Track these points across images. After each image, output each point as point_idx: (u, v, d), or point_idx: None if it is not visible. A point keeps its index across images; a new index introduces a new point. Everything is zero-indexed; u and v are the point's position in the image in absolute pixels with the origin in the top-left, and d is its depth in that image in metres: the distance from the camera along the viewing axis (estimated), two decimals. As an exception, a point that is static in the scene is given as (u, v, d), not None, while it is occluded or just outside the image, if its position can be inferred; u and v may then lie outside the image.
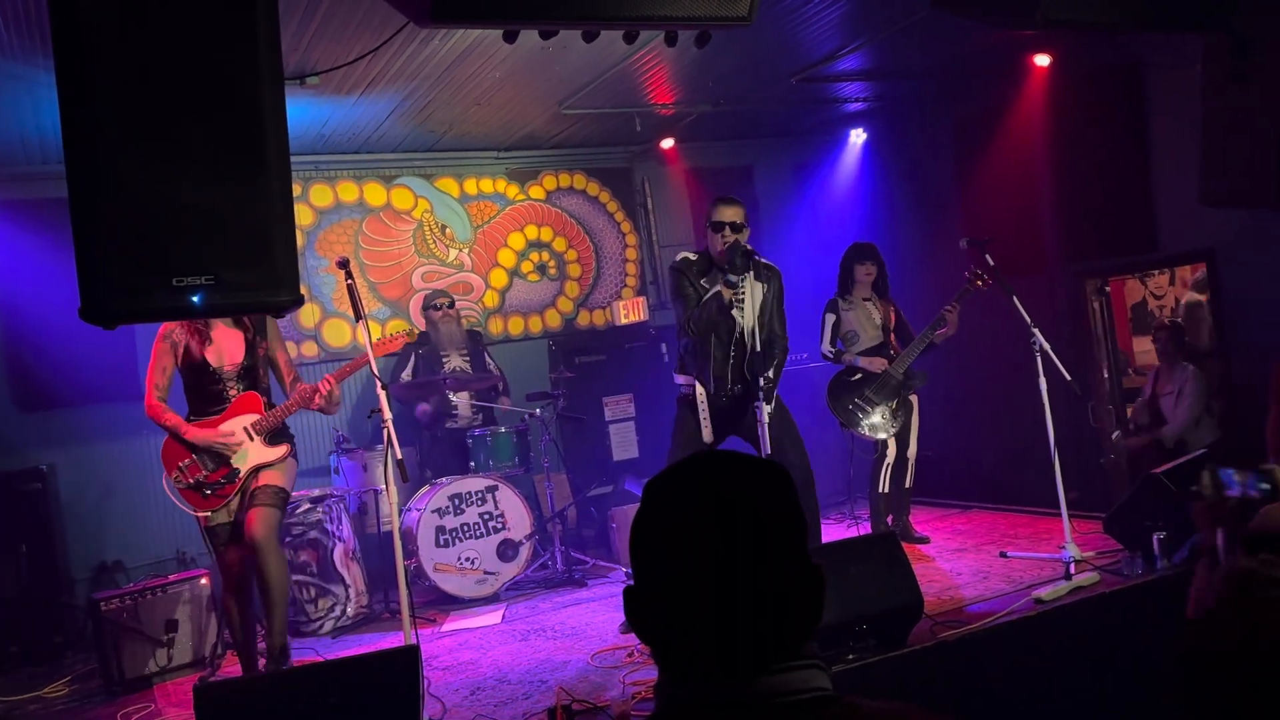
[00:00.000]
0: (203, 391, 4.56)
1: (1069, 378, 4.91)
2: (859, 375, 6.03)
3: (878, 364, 5.99)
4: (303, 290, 6.18)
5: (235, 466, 4.52)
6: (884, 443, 6.05)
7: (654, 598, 1.12)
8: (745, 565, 1.08)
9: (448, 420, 6.53)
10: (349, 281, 3.91)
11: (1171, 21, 3.91)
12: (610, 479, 7.32)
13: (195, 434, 4.49)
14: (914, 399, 6.15)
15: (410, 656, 3.30)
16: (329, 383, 4.55)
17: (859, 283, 6.15)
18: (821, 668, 1.12)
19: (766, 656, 1.08)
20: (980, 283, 5.75)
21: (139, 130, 2.62)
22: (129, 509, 6.58)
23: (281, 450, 4.62)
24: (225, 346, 4.58)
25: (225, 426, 4.52)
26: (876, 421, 6.00)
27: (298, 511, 5.63)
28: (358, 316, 3.86)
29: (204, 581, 5.34)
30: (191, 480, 4.49)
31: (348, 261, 3.99)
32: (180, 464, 4.50)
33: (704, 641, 1.09)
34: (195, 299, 2.65)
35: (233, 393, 4.57)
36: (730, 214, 4.69)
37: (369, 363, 3.95)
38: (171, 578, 5.39)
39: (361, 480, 6.19)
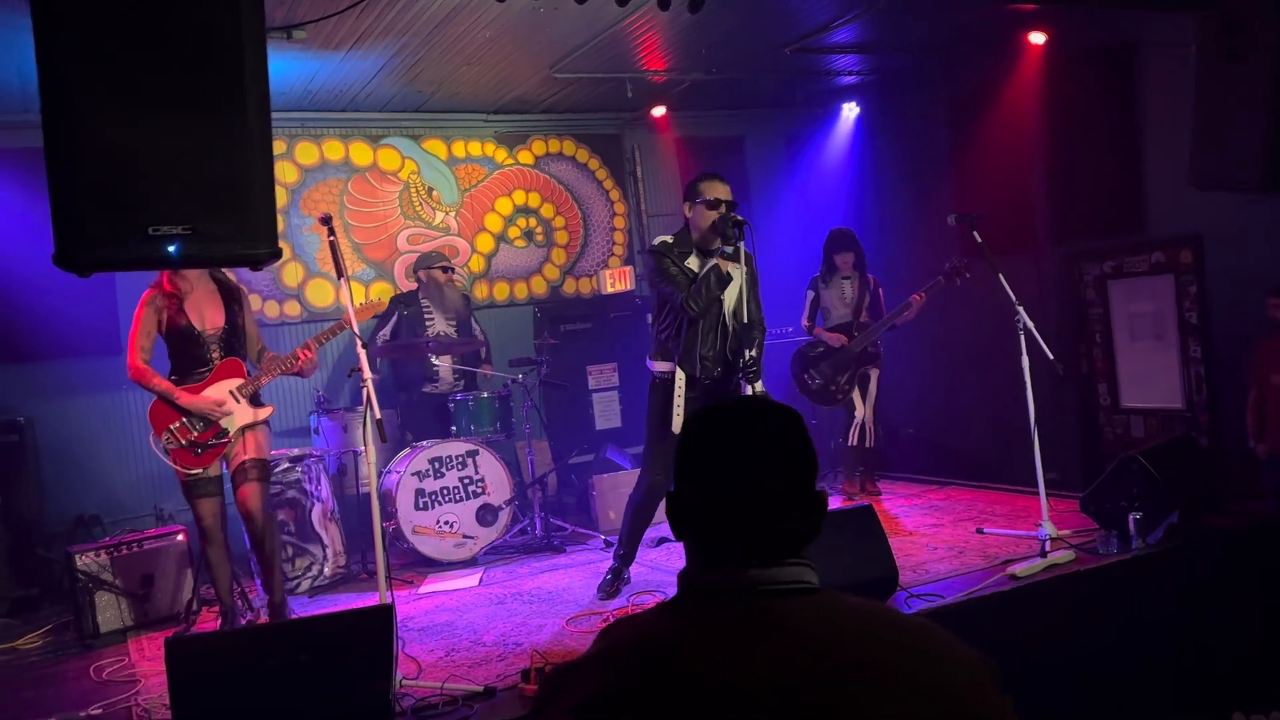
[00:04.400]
0: (186, 355, 4.64)
1: (1051, 356, 4.91)
2: (821, 348, 6.57)
3: (838, 339, 6.50)
4: (286, 249, 6.17)
5: (224, 427, 4.63)
6: (851, 403, 6.57)
7: (692, 501, 1.40)
8: (767, 484, 1.37)
9: (427, 384, 6.49)
10: (331, 238, 3.87)
11: (1166, 0, 3.88)
12: (592, 447, 7.33)
13: (188, 400, 4.57)
14: (873, 373, 6.62)
15: (384, 616, 3.29)
16: (310, 349, 4.76)
17: (839, 267, 6.66)
18: (811, 567, 1.37)
19: (774, 554, 1.35)
20: (957, 279, 5.97)
21: (117, 77, 2.57)
22: (107, 464, 6.56)
23: (267, 410, 4.80)
24: (206, 311, 4.67)
25: (213, 392, 4.62)
26: (824, 390, 6.53)
27: (277, 470, 5.60)
28: (339, 274, 3.82)
29: (180, 538, 5.32)
30: (184, 441, 4.57)
31: (330, 218, 3.94)
32: (170, 426, 4.58)
33: (727, 538, 1.36)
34: (171, 249, 2.61)
35: (215, 355, 4.67)
36: (725, 190, 4.62)
37: (350, 323, 3.91)
38: (148, 533, 5.37)
39: (341, 441, 6.17)
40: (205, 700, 3.02)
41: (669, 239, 4.72)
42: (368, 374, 3.74)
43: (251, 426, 4.69)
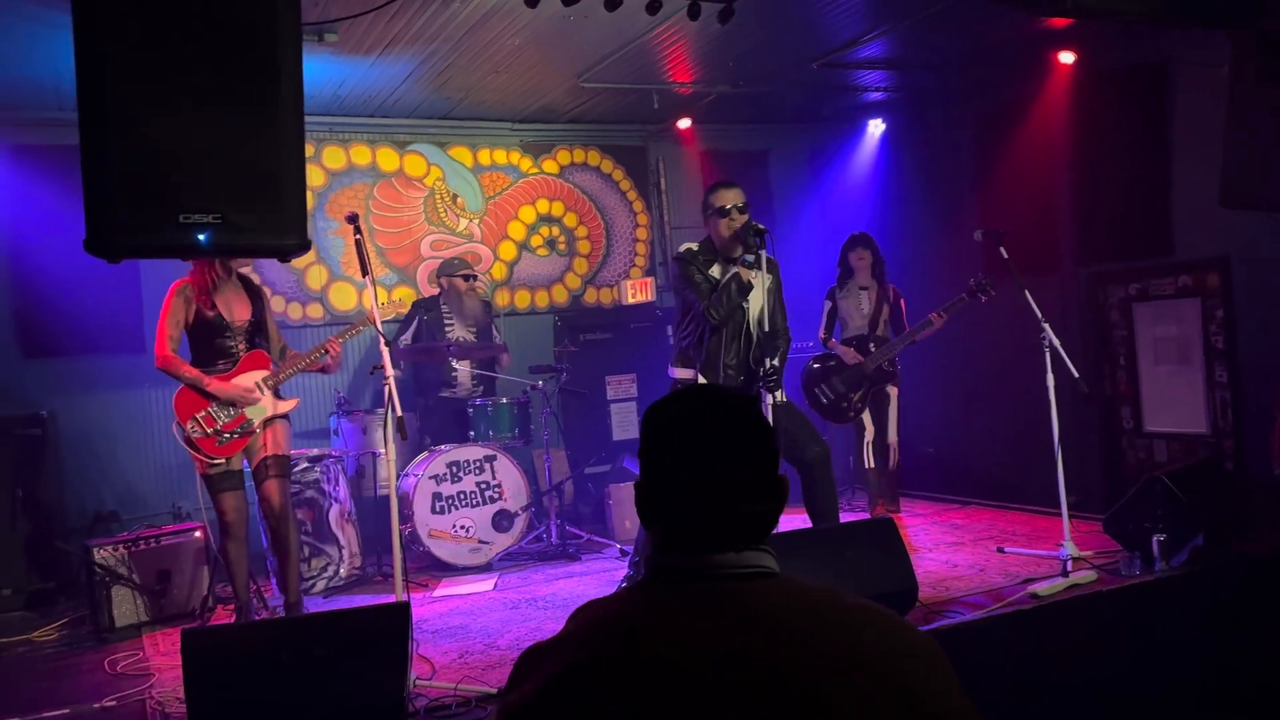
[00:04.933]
0: (211, 347, 4.68)
1: (1076, 374, 4.87)
2: (833, 362, 6.42)
3: (851, 355, 6.36)
4: (311, 252, 6.21)
5: (250, 417, 4.66)
6: (861, 423, 6.44)
7: (655, 489, 1.44)
8: (722, 471, 1.40)
9: (444, 389, 6.49)
10: (357, 237, 3.89)
11: (1200, 17, 3.87)
12: (609, 458, 7.31)
13: (218, 387, 4.60)
14: (892, 390, 6.46)
15: (401, 613, 3.28)
16: (336, 344, 4.81)
17: (855, 269, 6.50)
18: (771, 554, 1.41)
19: (735, 540, 1.39)
20: (981, 296, 5.83)
21: (154, 66, 2.60)
22: (127, 460, 6.59)
23: (291, 403, 4.84)
24: (234, 305, 4.73)
25: (241, 380, 4.65)
26: (835, 407, 6.37)
27: (296, 470, 5.61)
28: (364, 272, 3.84)
29: (198, 535, 5.33)
30: (209, 430, 4.58)
31: (357, 216, 3.97)
32: (196, 414, 4.59)
33: (688, 525, 1.40)
34: (201, 237, 2.63)
35: (241, 348, 4.72)
36: (732, 196, 4.62)
37: (374, 321, 3.93)
38: (166, 529, 5.39)
39: (361, 443, 6.17)
40: (220, 692, 3.02)
41: (694, 246, 4.73)
42: (390, 371, 3.75)
43: (274, 419, 4.73)
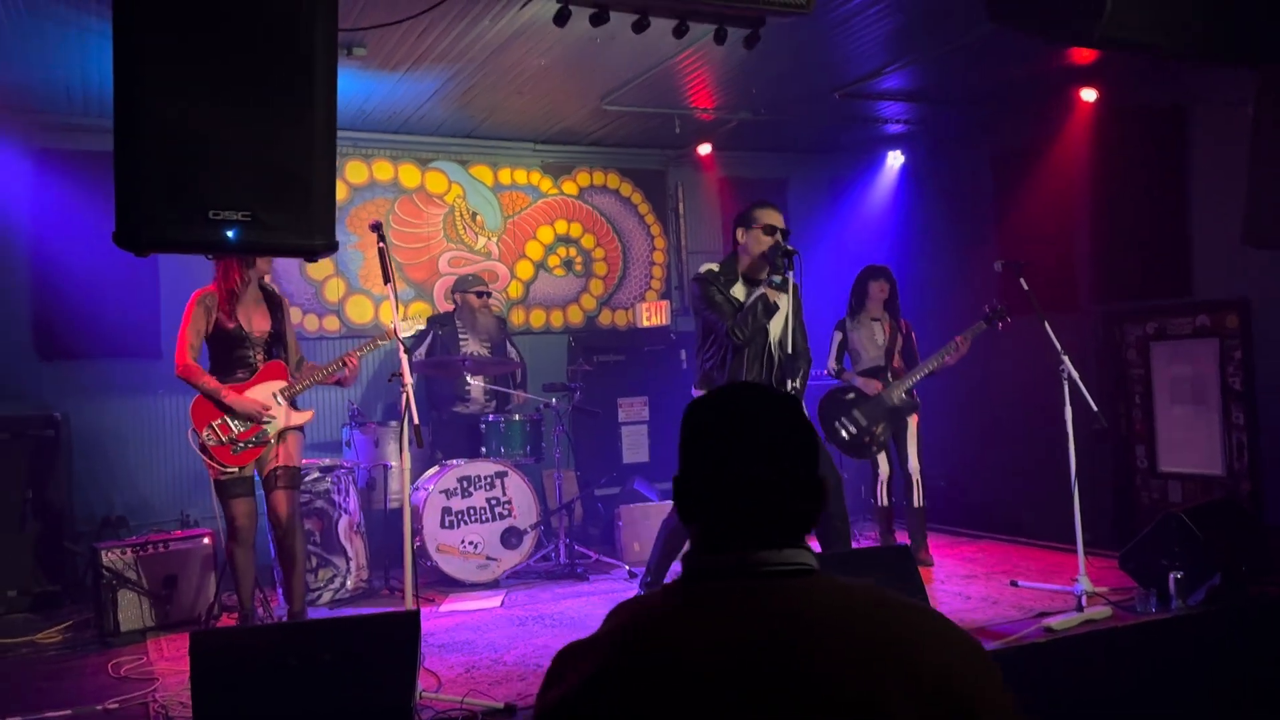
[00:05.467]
0: (230, 357, 4.71)
1: (1095, 408, 4.84)
2: (852, 394, 6.15)
3: (873, 386, 6.10)
4: (330, 263, 6.22)
5: (265, 428, 4.67)
6: (876, 460, 6.16)
7: (694, 485, 1.42)
8: (771, 465, 1.38)
9: (458, 404, 6.49)
10: (381, 245, 3.90)
11: (1230, 53, 3.87)
12: (619, 480, 7.29)
13: (234, 399, 4.62)
14: (912, 420, 6.20)
15: (410, 622, 3.26)
16: (354, 358, 4.83)
17: (872, 299, 6.30)
18: (811, 551, 1.39)
19: (773, 538, 1.37)
20: (998, 323, 5.74)
21: (190, 61, 2.62)
22: (137, 466, 6.59)
23: (306, 415, 4.86)
24: (254, 316, 4.76)
25: (257, 393, 4.68)
26: (857, 441, 6.07)
27: (307, 479, 5.60)
28: (386, 280, 3.84)
29: (206, 541, 5.32)
30: (224, 438, 4.61)
31: (381, 225, 3.99)
32: (212, 422, 4.62)
33: (727, 522, 1.38)
34: (230, 234, 2.64)
35: (259, 359, 4.74)
36: (779, 218, 4.63)
37: (393, 327, 3.93)
38: (175, 534, 5.38)
39: (372, 455, 6.16)
40: (226, 694, 2.99)
41: (715, 267, 4.72)
42: (409, 379, 3.75)
43: (289, 431, 4.74)
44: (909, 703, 1.18)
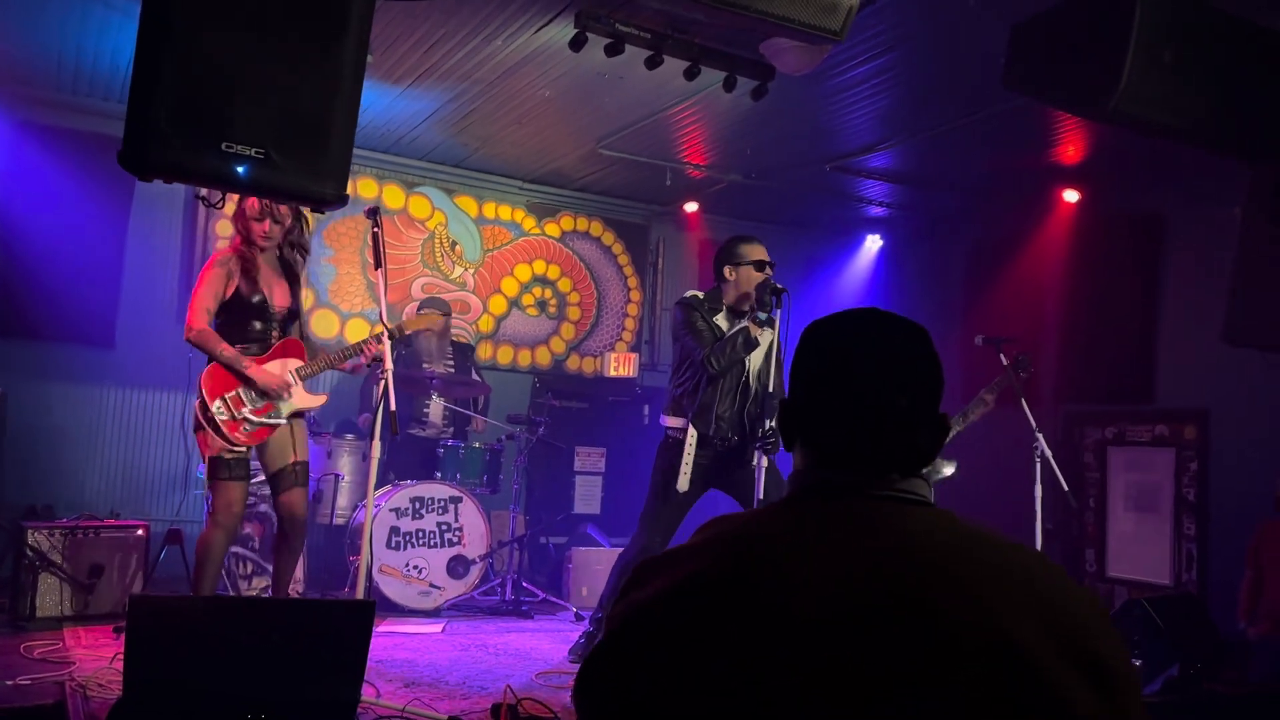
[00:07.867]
0: (245, 328, 4.32)
1: (1066, 487, 4.84)
2: None
3: None
4: (301, 277, 5.95)
5: (279, 407, 4.32)
6: None
7: (805, 408, 1.34)
8: (898, 394, 1.30)
9: (414, 425, 6.29)
10: (375, 230, 3.82)
11: (1230, 145, 3.97)
12: (567, 528, 7.11)
13: (256, 371, 4.23)
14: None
15: (365, 611, 3.08)
16: (375, 346, 4.36)
17: None
18: (929, 483, 1.32)
19: (889, 468, 1.28)
20: (1022, 374, 5.47)
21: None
22: (72, 457, 6.31)
23: (320, 398, 4.59)
24: (275, 288, 4.40)
25: (276, 369, 4.31)
26: None
27: (253, 483, 5.37)
28: (378, 265, 3.76)
29: (140, 533, 5.07)
30: (237, 413, 4.21)
31: (377, 209, 3.91)
32: (225, 395, 4.21)
33: (850, 446, 1.29)
34: (240, 169, 2.54)
35: (275, 335, 4.39)
36: (764, 251, 4.62)
37: (381, 317, 3.83)
38: (108, 521, 5.12)
39: (323, 465, 5.95)
40: (162, 665, 2.78)
41: (699, 294, 4.68)
42: (389, 365, 3.63)
43: (299, 415, 4.43)
44: (1049, 650, 1.07)
